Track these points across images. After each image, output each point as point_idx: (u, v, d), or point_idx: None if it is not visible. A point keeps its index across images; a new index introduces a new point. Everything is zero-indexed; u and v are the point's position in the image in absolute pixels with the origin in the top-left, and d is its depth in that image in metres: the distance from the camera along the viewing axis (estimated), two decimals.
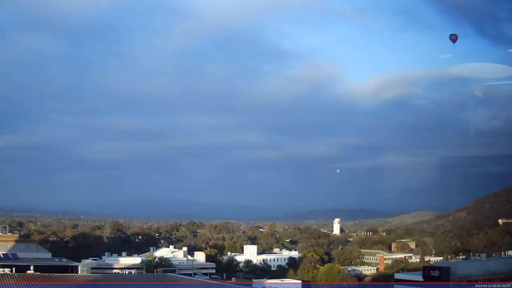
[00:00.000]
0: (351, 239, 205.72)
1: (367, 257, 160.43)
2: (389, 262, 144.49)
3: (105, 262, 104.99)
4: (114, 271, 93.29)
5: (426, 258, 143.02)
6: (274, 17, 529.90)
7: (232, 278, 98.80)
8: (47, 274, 50.67)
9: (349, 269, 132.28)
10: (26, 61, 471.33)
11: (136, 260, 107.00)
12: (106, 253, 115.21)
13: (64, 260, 75.11)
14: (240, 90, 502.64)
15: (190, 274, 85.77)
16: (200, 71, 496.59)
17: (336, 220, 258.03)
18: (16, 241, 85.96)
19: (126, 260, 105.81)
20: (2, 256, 68.26)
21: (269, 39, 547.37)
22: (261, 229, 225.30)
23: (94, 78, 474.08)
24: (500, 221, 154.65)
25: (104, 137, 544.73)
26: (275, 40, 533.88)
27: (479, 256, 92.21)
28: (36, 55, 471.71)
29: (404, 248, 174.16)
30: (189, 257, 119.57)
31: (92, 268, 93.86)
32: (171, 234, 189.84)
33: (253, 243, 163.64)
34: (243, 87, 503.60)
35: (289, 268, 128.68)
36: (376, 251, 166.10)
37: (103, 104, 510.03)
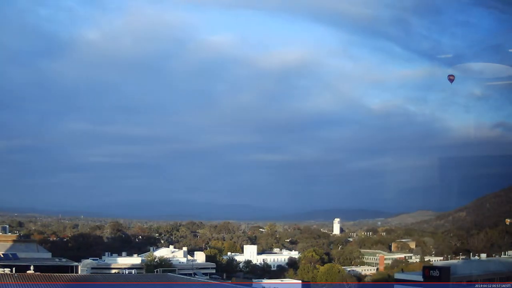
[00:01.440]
0: (351, 239, 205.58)
1: (367, 257, 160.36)
2: (389, 262, 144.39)
3: (105, 262, 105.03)
4: (114, 271, 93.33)
5: (426, 258, 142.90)
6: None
7: (232, 278, 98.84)
8: (47, 274, 50.69)
9: (349, 269, 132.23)
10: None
11: (136, 260, 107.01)
12: (106, 253, 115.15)
13: (64, 260, 75.01)
14: (234, 100, 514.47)
15: (190, 274, 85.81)
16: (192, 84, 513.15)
17: (336, 220, 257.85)
18: (14, 241, 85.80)
19: (126, 260, 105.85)
20: (2, 256, 68.26)
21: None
22: (261, 229, 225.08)
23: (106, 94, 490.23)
24: (507, 220, 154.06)
25: (105, 142, 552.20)
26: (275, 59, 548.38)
27: (479, 256, 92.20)
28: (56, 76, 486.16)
29: (404, 248, 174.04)
30: (189, 257, 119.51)
31: (92, 268, 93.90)
32: (171, 234, 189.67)
33: (253, 243, 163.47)
34: (240, 98, 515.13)
35: (289, 268, 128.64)
36: (376, 251, 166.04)
37: (107, 112, 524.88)
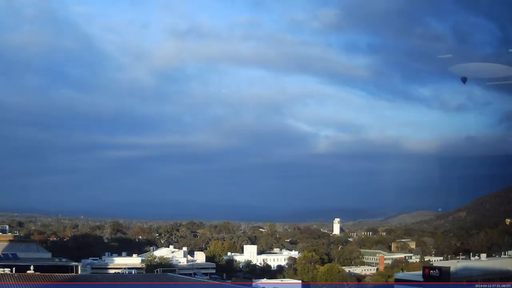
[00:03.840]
0: (351, 239, 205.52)
1: (367, 257, 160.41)
2: (389, 262, 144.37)
3: (105, 262, 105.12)
4: (114, 271, 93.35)
5: (426, 258, 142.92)
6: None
7: (232, 278, 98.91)
8: (47, 274, 50.58)
9: (348, 269, 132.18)
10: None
11: (136, 260, 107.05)
12: (106, 253, 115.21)
13: (64, 260, 74.90)
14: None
15: (190, 274, 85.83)
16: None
17: (336, 220, 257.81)
18: (11, 240, 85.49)
19: (126, 260, 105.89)
20: (2, 256, 68.23)
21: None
22: (261, 229, 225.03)
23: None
24: (507, 220, 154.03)
25: (107, 146, 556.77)
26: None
27: (479, 256, 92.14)
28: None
29: (404, 248, 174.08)
30: (189, 257, 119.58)
31: (92, 268, 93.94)
32: (171, 234, 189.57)
33: (253, 243, 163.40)
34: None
35: (289, 268, 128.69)
36: (376, 251, 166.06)
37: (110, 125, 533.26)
